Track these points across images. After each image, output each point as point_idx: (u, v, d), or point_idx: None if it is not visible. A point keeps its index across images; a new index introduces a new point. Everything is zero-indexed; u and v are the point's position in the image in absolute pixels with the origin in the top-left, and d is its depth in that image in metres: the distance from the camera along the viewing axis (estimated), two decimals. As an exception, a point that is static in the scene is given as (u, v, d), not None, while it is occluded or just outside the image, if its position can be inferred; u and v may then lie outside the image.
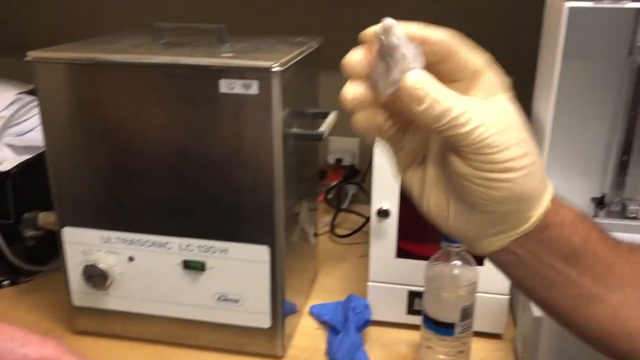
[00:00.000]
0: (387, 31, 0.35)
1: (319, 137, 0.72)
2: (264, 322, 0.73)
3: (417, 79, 0.35)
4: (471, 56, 0.38)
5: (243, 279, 0.71)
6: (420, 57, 0.36)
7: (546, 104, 0.72)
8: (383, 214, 0.76)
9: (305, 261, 0.86)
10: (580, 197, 0.83)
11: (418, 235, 0.78)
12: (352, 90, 0.39)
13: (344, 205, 1.14)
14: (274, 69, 0.62)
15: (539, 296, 0.43)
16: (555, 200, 0.40)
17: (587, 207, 0.82)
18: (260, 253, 0.70)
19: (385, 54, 0.36)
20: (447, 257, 0.68)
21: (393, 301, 0.80)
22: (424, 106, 0.35)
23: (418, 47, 0.36)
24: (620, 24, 0.74)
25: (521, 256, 0.40)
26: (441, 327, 0.69)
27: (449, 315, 0.68)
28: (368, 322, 0.77)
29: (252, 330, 0.74)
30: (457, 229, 0.40)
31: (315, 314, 0.83)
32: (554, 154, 0.77)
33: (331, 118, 0.78)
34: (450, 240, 0.67)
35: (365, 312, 0.78)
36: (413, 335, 0.78)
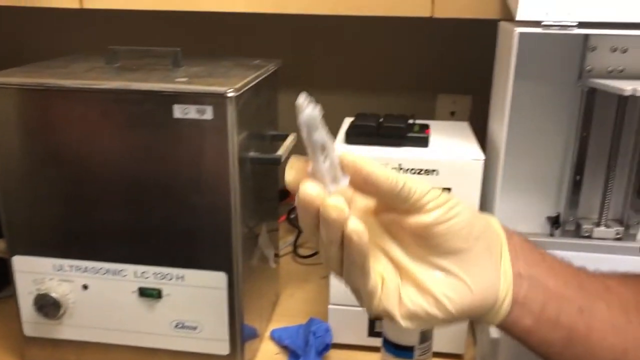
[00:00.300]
0: (299, 108, 0.38)
1: (277, 161, 0.71)
2: (223, 348, 0.72)
3: (351, 155, 0.40)
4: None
5: (200, 306, 0.70)
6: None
7: (500, 125, 0.73)
8: (342, 236, 0.76)
9: (266, 284, 0.85)
10: (535, 216, 0.84)
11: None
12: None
13: (307, 225, 1.13)
14: (228, 95, 0.61)
15: (563, 327, 0.43)
16: None
17: (543, 226, 0.84)
18: (217, 280, 0.69)
19: (312, 145, 0.38)
20: (405, 280, 0.68)
21: (354, 324, 0.79)
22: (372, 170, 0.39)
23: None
24: (569, 48, 0.76)
25: (528, 278, 0.43)
26: (400, 350, 0.68)
27: (408, 338, 0.68)
28: (329, 346, 0.76)
29: (211, 357, 0.72)
30: (483, 289, 0.41)
31: (276, 338, 0.82)
32: (508, 174, 0.78)
33: (290, 140, 0.78)
34: (408, 263, 0.67)
35: (326, 335, 0.77)
36: (374, 358, 0.77)
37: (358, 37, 1.10)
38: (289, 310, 0.91)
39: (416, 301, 0.41)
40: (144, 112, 0.64)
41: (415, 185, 0.40)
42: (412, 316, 0.41)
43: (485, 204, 0.76)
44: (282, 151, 0.73)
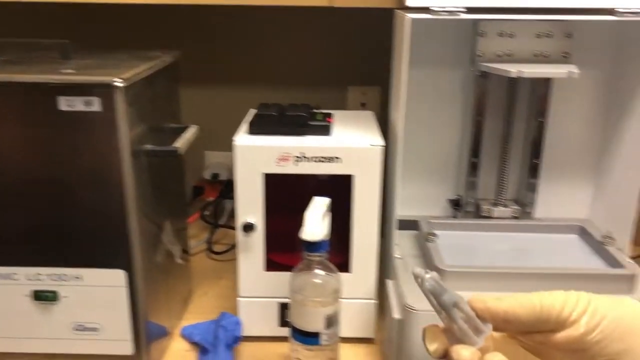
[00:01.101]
0: (421, 279, 0.40)
1: (174, 153, 0.70)
2: (126, 349, 0.69)
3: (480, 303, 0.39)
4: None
5: (100, 306, 0.68)
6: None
7: (397, 110, 0.74)
8: (248, 228, 0.75)
9: (175, 281, 0.83)
10: (438, 199, 0.87)
11: (286, 247, 0.77)
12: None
13: (222, 221, 1.12)
14: (116, 84, 0.59)
15: None
16: None
17: (446, 209, 0.86)
18: (116, 278, 0.66)
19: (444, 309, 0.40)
20: (309, 267, 0.68)
21: (265, 315, 0.79)
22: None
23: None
24: (461, 35, 0.79)
25: None
26: (307, 337, 0.68)
27: (314, 324, 0.68)
28: (238, 339, 0.76)
29: (114, 358, 0.70)
30: None
31: (186, 335, 0.81)
32: (409, 159, 0.80)
33: (190, 132, 0.76)
34: (311, 249, 0.67)
35: (236, 329, 0.76)
36: (287, 348, 0.77)
37: (263, 29, 1.10)
38: (202, 307, 0.89)
39: None
40: (28, 106, 0.61)
41: (552, 300, 0.38)
42: None
43: (388, 190, 0.77)
44: (179, 143, 0.71)
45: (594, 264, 0.73)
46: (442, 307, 0.39)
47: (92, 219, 0.64)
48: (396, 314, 0.67)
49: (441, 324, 0.42)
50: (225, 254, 1.05)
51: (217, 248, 1.07)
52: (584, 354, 0.38)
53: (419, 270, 0.40)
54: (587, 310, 0.38)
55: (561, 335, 0.38)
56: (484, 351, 0.39)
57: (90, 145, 0.61)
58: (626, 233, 0.77)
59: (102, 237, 0.65)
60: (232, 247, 1.05)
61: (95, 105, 0.60)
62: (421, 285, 0.40)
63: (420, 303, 0.64)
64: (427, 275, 0.40)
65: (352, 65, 1.13)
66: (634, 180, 0.75)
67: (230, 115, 0.84)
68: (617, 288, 0.67)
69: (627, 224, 0.77)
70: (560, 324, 0.38)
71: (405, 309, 0.64)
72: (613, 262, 0.71)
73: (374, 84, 1.15)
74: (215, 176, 1.16)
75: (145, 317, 0.69)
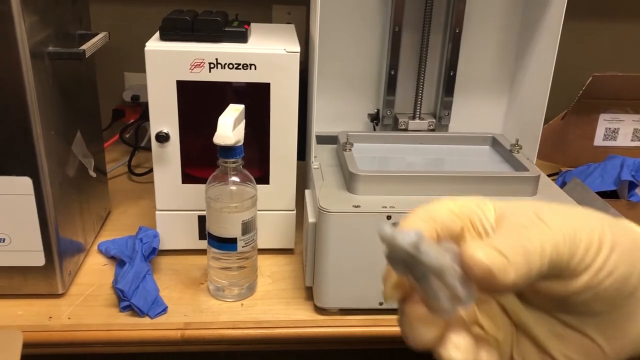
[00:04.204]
0: (386, 241, 0.27)
1: (80, 55, 0.66)
2: (38, 260, 0.68)
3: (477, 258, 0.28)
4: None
5: (8, 215, 0.65)
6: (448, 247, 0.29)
7: (315, 26, 0.73)
8: (163, 138, 0.73)
9: (89, 198, 0.81)
10: (359, 114, 0.87)
11: (203, 159, 0.77)
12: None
13: (143, 143, 1.09)
14: (9, -24, 0.55)
15: None
16: None
17: (368, 125, 0.87)
18: (22, 186, 0.64)
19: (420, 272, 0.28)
20: (225, 175, 0.68)
21: (184, 228, 0.79)
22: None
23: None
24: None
25: None
26: (224, 243, 0.69)
27: (231, 230, 0.68)
28: (155, 251, 0.75)
29: (26, 270, 0.68)
30: (621, 350, 0.32)
31: (103, 250, 0.80)
32: (332, 76, 0.79)
33: (98, 38, 0.73)
34: (226, 155, 0.66)
35: (153, 241, 0.76)
36: (205, 259, 0.77)
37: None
38: (120, 225, 0.88)
39: None
40: None
41: (564, 248, 0.29)
42: None
43: (309, 105, 0.77)
44: (86, 46, 0.68)
45: (503, 168, 0.77)
46: (416, 278, 0.29)
47: (-8, 122, 0.61)
48: (311, 218, 0.68)
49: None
50: (146, 176, 1.03)
51: (138, 171, 1.05)
52: (563, 304, 0.31)
53: (390, 229, 0.27)
54: (592, 265, 0.29)
55: (554, 285, 0.30)
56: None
57: (-15, 42, 0.58)
58: (534, 146, 0.80)
59: (4, 142, 0.62)
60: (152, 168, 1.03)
61: (-13, -3, 0.56)
62: (391, 252, 0.28)
63: (333, 206, 0.65)
64: (399, 236, 0.27)
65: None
66: (541, 96, 0.78)
67: (151, 35, 0.81)
68: (523, 189, 0.70)
69: (535, 137, 0.80)
70: (572, 271, 0.29)
71: (320, 211, 0.65)
72: (519, 167, 0.74)
73: (299, 4, 1.12)
74: (135, 98, 1.13)
75: (56, 228, 0.67)
